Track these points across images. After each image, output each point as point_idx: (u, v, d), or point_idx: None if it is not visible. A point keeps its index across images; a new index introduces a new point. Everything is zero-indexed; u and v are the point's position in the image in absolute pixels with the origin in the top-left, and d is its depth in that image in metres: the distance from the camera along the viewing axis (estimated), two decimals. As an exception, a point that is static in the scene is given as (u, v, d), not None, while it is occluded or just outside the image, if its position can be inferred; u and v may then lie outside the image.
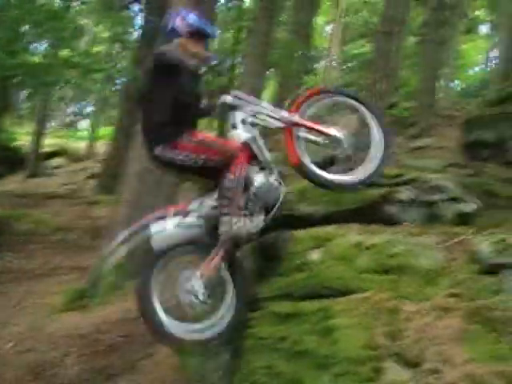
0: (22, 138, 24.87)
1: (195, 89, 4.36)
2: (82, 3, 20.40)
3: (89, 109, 42.17)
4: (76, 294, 7.70)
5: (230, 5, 21.21)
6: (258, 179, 4.16)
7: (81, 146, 28.72)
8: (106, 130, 30.00)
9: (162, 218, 4.11)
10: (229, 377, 4.05)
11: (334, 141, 4.35)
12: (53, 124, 38.78)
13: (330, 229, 4.13)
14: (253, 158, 4.22)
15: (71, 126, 40.69)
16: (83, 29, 21.86)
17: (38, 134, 22.10)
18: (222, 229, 3.97)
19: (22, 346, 5.98)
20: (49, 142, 25.65)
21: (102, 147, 25.14)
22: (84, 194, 18.04)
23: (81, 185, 20.43)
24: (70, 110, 42.43)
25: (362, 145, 4.50)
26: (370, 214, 4.45)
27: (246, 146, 4.18)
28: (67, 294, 7.76)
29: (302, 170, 4.30)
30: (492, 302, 3.07)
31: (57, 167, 25.22)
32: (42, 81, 13.96)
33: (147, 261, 4.16)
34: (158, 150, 4.08)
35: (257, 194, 4.10)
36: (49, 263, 10.23)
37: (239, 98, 4.32)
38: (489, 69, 33.11)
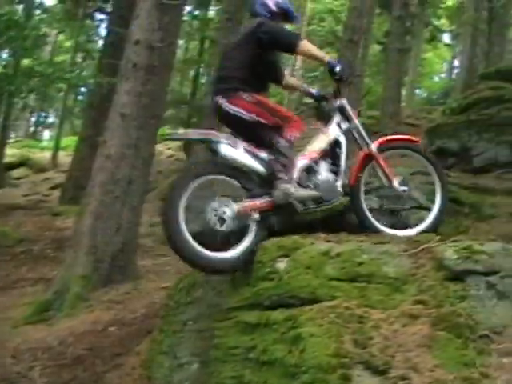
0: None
1: (275, 65, 4.91)
2: (44, 12, 20.21)
3: (52, 119, 41.83)
4: (41, 306, 7.59)
5: (196, 13, 21.25)
6: (324, 175, 4.44)
7: (44, 156, 28.39)
8: (70, 140, 29.71)
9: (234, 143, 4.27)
10: (197, 387, 4.03)
11: (393, 191, 4.61)
12: (15, 134, 38.35)
13: (297, 237, 4.12)
14: (331, 158, 4.54)
15: (35, 136, 40.24)
16: (46, 38, 21.64)
17: (0, 144, 21.74)
18: (275, 192, 4.17)
19: (-15, 359, 5.87)
20: (11, 153, 25.31)
21: (65, 157, 24.88)
22: (47, 204, 17.83)
23: (44, 195, 20.20)
24: (34, 119, 42.03)
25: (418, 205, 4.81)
26: (336, 222, 4.47)
27: (334, 143, 4.56)
28: (32, 306, 7.64)
29: (352, 193, 4.53)
30: (458, 309, 3.10)
31: (20, 178, 24.92)
32: (5, 90, 13.78)
33: (193, 170, 4.33)
34: (218, 99, 4.46)
35: (319, 185, 4.37)
36: (12, 275, 10.06)
37: (349, 109, 4.74)
38: (453, 76, 33.64)
